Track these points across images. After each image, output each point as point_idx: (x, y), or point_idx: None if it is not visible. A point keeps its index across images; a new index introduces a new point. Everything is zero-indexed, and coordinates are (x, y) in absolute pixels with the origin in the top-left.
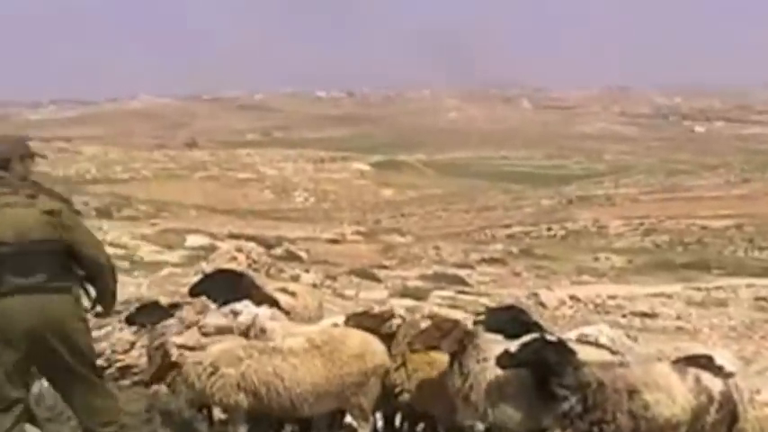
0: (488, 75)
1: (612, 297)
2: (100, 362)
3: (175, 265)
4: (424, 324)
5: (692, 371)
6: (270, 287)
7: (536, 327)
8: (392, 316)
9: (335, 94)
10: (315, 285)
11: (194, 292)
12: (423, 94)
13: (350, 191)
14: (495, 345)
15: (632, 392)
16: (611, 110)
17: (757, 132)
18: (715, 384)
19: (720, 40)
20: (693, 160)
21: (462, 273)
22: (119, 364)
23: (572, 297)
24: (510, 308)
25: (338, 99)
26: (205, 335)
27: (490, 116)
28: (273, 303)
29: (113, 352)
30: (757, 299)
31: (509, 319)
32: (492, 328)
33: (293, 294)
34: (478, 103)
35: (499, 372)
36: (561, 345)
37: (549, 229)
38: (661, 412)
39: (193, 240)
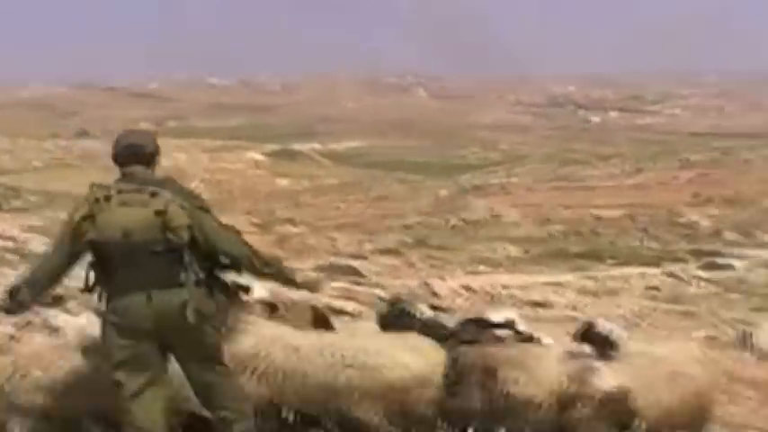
0: (383, 64)
1: (506, 287)
2: None
3: None
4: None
5: (587, 362)
6: None
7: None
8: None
9: (229, 82)
10: None
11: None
12: (319, 84)
13: (245, 181)
14: None
15: (488, 369)
16: (507, 99)
17: (650, 123)
18: (603, 380)
19: (614, 29)
20: (588, 150)
21: (357, 263)
22: None
23: (466, 287)
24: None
25: (232, 87)
26: None
27: (386, 105)
28: None
29: None
30: (648, 288)
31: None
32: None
33: None
34: (375, 93)
35: None
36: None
37: (445, 220)
38: (520, 391)
39: None
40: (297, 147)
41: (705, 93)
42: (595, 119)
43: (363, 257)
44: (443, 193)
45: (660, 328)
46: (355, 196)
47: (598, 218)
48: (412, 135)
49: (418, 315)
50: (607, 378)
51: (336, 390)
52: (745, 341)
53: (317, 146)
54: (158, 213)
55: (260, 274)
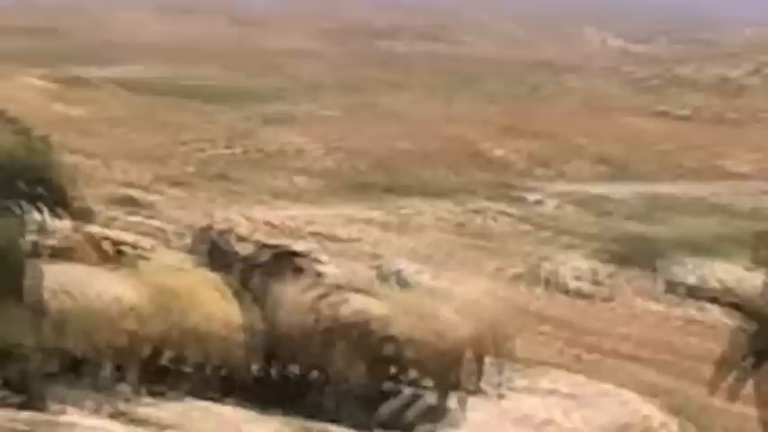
0: None
1: (309, 222)
2: None
3: None
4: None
5: (342, 292)
6: None
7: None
8: None
9: (4, 3)
10: None
11: None
12: (105, 6)
13: (24, 107)
14: None
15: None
16: (305, 25)
17: (450, 52)
18: (353, 309)
19: None
20: (390, 80)
21: (152, 197)
22: None
23: (266, 222)
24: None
25: (6, 8)
26: None
27: (181, 31)
28: None
29: None
30: (452, 222)
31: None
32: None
33: None
34: (168, 17)
35: None
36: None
37: (243, 152)
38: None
39: None
40: (82, 72)
41: (515, 23)
42: (393, 46)
43: (157, 190)
44: (240, 123)
45: (465, 264)
46: (148, 126)
47: (400, 150)
48: (209, 62)
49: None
50: (359, 307)
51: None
52: (548, 278)
53: (104, 73)
54: None
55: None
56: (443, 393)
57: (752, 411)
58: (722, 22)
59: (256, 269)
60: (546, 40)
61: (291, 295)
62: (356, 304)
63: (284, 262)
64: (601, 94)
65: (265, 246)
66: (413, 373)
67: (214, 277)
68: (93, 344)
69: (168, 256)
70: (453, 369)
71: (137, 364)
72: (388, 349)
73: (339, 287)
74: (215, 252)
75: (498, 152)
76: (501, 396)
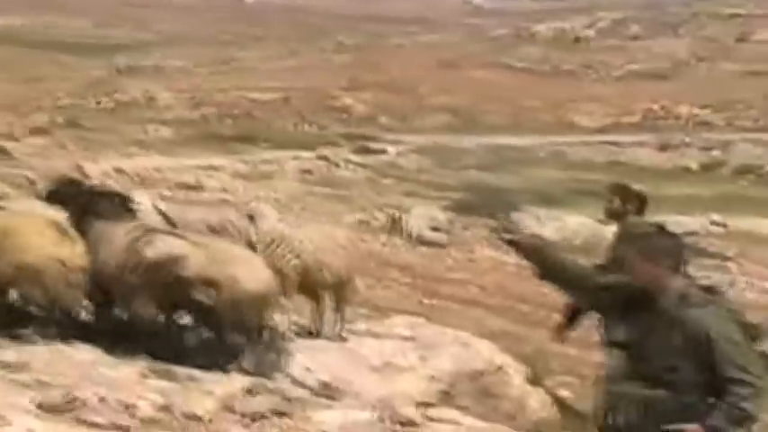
0: None
1: (158, 170)
2: None
3: None
4: None
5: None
6: None
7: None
8: None
9: None
10: None
11: None
12: None
13: None
14: None
15: None
16: None
17: (304, 5)
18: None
19: None
20: (243, 32)
21: (8, 145)
22: None
23: (117, 170)
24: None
25: None
26: None
27: None
28: None
29: None
30: (302, 171)
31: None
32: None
33: None
34: None
35: None
36: None
37: (98, 102)
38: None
39: None
40: None
41: None
42: (252, 2)
43: (15, 139)
44: (96, 73)
45: (314, 211)
46: (4, 76)
47: (253, 100)
48: (63, 12)
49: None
50: (161, 248)
51: None
52: (395, 226)
53: None
54: None
55: None
56: (247, 336)
57: (585, 354)
58: None
59: (88, 212)
60: None
61: (112, 237)
62: (160, 245)
63: (110, 205)
64: (449, 46)
65: (93, 189)
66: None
67: (58, 220)
68: None
69: (22, 203)
70: (253, 314)
71: None
72: (179, 290)
73: (155, 230)
74: (52, 196)
75: (347, 102)
76: (343, 339)
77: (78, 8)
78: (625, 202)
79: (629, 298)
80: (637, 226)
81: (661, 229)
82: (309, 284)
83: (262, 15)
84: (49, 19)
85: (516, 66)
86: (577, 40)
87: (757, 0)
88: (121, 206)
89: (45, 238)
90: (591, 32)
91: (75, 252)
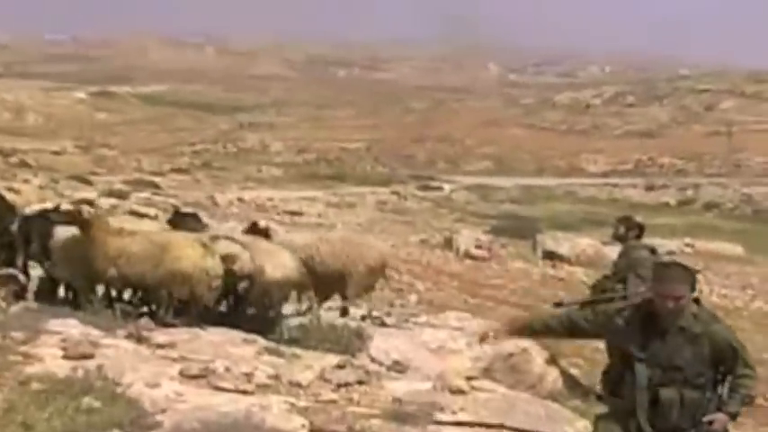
0: (180, 24)
1: (270, 199)
2: None
3: None
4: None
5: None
6: None
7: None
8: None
9: (60, 36)
10: (40, 187)
11: None
12: (129, 38)
13: (71, 114)
14: None
15: None
16: (277, 56)
17: (383, 78)
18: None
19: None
20: (335, 97)
21: (157, 179)
22: None
23: (239, 199)
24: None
25: (65, 41)
26: None
27: (182, 59)
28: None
29: None
30: (378, 203)
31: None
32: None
33: (17, 192)
34: (173, 48)
35: None
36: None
37: (225, 147)
38: None
39: None
40: (112, 89)
41: (426, 56)
42: (341, 73)
43: (162, 175)
44: (224, 127)
45: (387, 232)
46: (156, 128)
47: (342, 149)
48: (201, 82)
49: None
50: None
51: None
52: (448, 244)
53: (128, 89)
54: None
55: None
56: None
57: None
58: (573, 57)
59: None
60: (448, 68)
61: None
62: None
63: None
64: (490, 110)
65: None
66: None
67: (203, 239)
68: None
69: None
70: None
71: None
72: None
73: (217, 236)
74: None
75: (413, 151)
76: (406, 328)
77: (213, 78)
78: (628, 229)
79: (644, 320)
80: (636, 248)
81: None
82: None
83: (350, 85)
84: (189, 87)
85: (541, 125)
86: (587, 106)
87: (722, 80)
88: (199, 222)
89: (194, 252)
90: (597, 101)
91: (215, 263)
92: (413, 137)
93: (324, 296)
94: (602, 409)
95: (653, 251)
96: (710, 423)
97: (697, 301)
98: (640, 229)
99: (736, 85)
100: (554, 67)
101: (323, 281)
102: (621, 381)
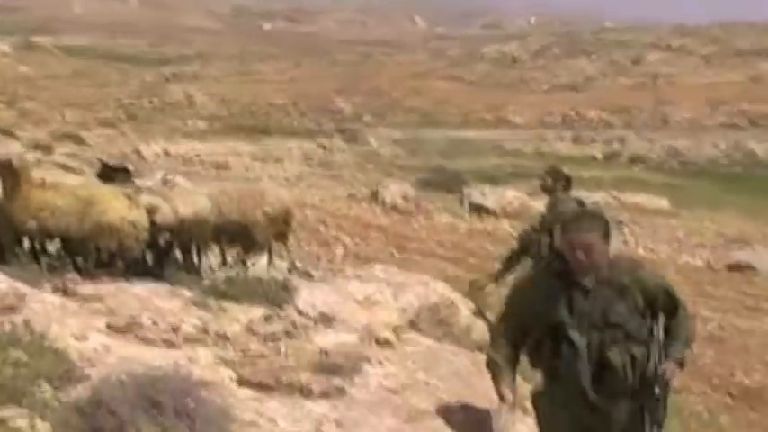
0: None
1: (196, 152)
2: None
3: None
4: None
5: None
6: None
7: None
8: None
9: None
10: None
11: None
12: None
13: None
14: None
15: None
16: (202, 8)
17: (308, 31)
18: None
19: None
20: (261, 50)
21: (82, 133)
22: None
23: (165, 152)
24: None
25: None
26: None
27: (106, 10)
28: None
29: None
30: (305, 156)
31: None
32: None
33: None
34: (97, 0)
35: None
36: None
37: (151, 102)
38: None
39: None
40: (36, 39)
41: (351, 9)
42: (267, 26)
43: (87, 128)
44: (149, 79)
45: (315, 186)
46: (81, 81)
47: (269, 103)
48: (126, 35)
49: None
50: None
51: None
52: (375, 198)
53: (51, 40)
54: None
55: None
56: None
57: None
58: (498, 8)
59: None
60: (374, 22)
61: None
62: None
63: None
64: (418, 63)
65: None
66: None
67: (128, 192)
68: None
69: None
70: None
71: None
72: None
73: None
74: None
75: (340, 104)
76: (332, 281)
77: (137, 30)
78: (555, 180)
79: (561, 281)
80: (564, 200)
81: (584, 208)
82: None
83: (276, 38)
84: (113, 39)
85: (468, 79)
86: (514, 60)
87: (648, 34)
88: (129, 175)
89: (120, 205)
90: (525, 55)
91: (141, 216)
92: (339, 90)
93: (231, 247)
94: (538, 386)
95: (580, 203)
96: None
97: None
98: (568, 181)
99: (660, 38)
100: (480, 18)
101: (226, 232)
102: (557, 356)
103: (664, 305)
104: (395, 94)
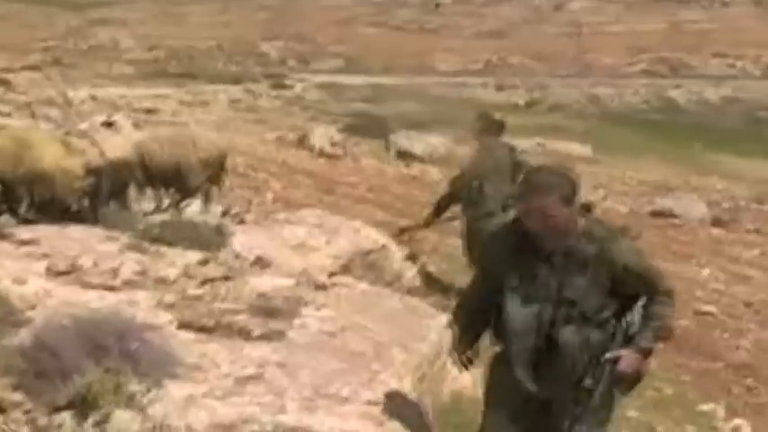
0: None
1: (123, 97)
2: None
3: None
4: None
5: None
6: None
7: None
8: None
9: None
10: None
11: None
12: None
13: None
14: None
15: None
16: None
17: None
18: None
19: None
20: None
21: (9, 76)
22: None
23: (92, 97)
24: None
25: None
26: None
27: None
28: None
29: None
30: (231, 101)
31: None
32: None
33: None
34: None
35: None
36: None
37: (75, 44)
38: None
39: None
40: None
41: None
42: None
43: (13, 71)
44: (74, 23)
45: (242, 131)
46: (6, 24)
47: (193, 47)
48: None
49: None
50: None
51: None
52: (303, 142)
53: None
54: None
55: None
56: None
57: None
58: None
59: None
60: None
61: None
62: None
63: None
64: (342, 9)
65: None
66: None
67: (63, 137)
68: None
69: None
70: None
71: None
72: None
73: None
74: None
75: (265, 49)
76: (266, 225)
77: None
78: (488, 125)
79: (521, 244)
80: (495, 146)
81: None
82: None
83: None
84: None
85: (391, 24)
86: (437, 5)
87: None
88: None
89: (55, 151)
90: (448, 0)
91: (76, 163)
92: (264, 35)
93: (166, 191)
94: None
95: (512, 149)
96: (615, 362)
97: (588, 210)
98: (500, 127)
99: None
100: None
101: (159, 176)
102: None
103: (634, 288)
104: (319, 39)
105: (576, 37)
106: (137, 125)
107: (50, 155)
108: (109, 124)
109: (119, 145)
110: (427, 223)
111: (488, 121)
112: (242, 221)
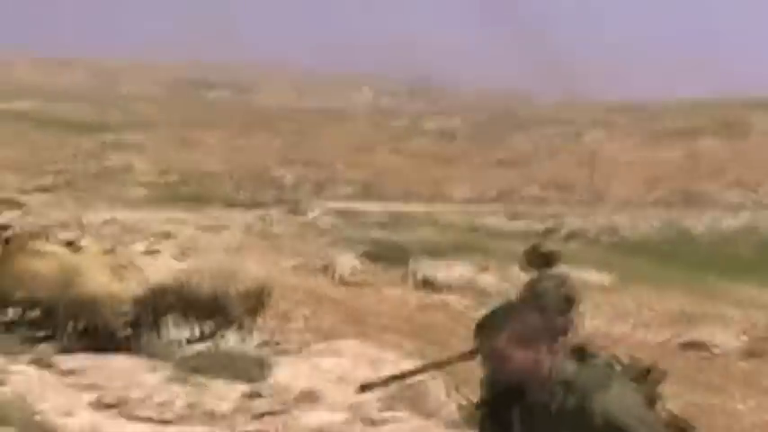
0: (53, 43)
1: (142, 220)
2: None
3: None
4: None
5: None
6: None
7: None
8: None
9: None
10: None
11: None
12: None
13: None
14: None
15: None
16: (146, 77)
17: (253, 100)
18: None
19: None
20: (202, 119)
21: (22, 198)
22: None
23: (108, 220)
24: None
25: None
26: None
27: (49, 76)
28: None
29: None
30: (246, 227)
31: None
32: None
33: None
34: (42, 66)
35: None
36: None
37: (88, 167)
38: None
39: None
40: None
41: (289, 78)
42: (211, 95)
43: (27, 193)
44: (88, 146)
45: (259, 257)
46: (19, 148)
47: (207, 172)
48: (68, 100)
49: None
50: None
51: None
52: (325, 269)
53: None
54: None
55: None
56: None
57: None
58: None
59: None
60: (315, 90)
61: None
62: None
63: None
64: (359, 134)
65: None
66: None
67: (116, 260)
68: None
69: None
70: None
71: None
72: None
73: None
74: None
75: (279, 174)
76: (305, 355)
77: (78, 96)
78: (534, 259)
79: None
80: (542, 279)
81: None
82: None
83: (217, 106)
84: (54, 105)
85: (409, 151)
86: (454, 136)
87: (586, 111)
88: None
89: (104, 278)
90: (465, 130)
91: (124, 288)
92: (280, 160)
93: (205, 321)
94: None
95: (562, 282)
96: None
97: (582, 353)
98: (547, 260)
99: (598, 115)
100: (425, 92)
101: (198, 306)
102: None
103: None
104: (336, 165)
105: (592, 166)
106: (182, 253)
107: (98, 282)
108: (150, 252)
109: (161, 273)
110: (464, 357)
111: (534, 254)
112: (281, 352)
